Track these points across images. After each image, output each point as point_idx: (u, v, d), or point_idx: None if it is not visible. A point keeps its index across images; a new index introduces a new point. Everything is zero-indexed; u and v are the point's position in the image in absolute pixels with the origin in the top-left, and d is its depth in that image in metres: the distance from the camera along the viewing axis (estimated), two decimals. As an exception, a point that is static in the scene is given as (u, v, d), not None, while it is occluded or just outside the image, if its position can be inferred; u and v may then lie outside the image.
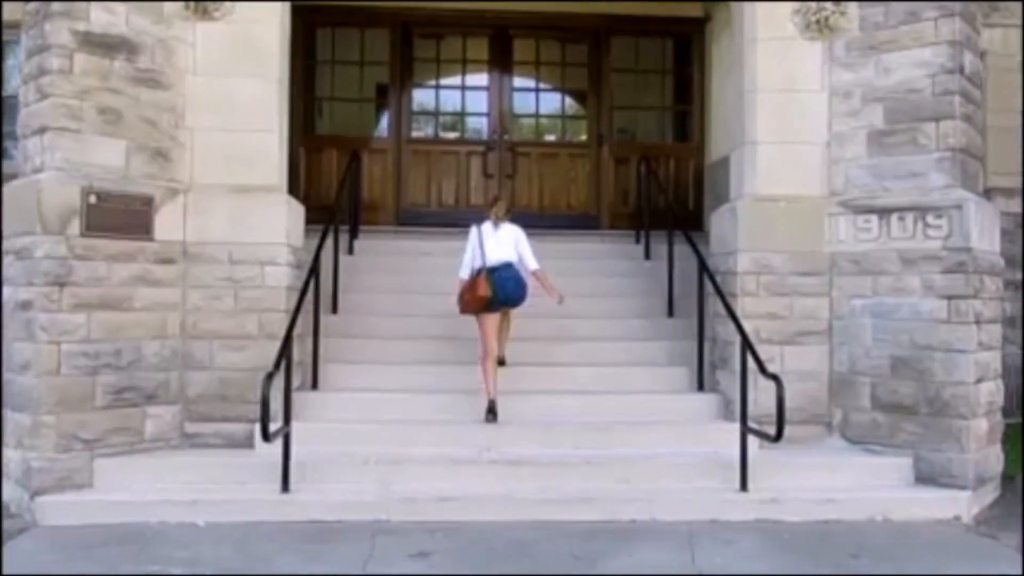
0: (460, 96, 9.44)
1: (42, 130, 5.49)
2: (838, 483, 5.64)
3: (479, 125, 9.39)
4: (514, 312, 6.39)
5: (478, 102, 9.33)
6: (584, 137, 9.42)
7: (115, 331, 5.59)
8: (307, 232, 6.53)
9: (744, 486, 5.48)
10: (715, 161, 8.54)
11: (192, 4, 6.00)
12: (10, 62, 7.88)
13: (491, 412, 6.01)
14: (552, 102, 9.70)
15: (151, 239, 5.81)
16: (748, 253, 6.29)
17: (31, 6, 5.69)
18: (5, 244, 5.55)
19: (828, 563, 4.68)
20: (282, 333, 5.58)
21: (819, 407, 6.23)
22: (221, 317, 5.96)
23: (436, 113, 9.50)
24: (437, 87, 9.41)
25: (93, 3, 5.58)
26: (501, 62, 9.23)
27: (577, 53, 9.34)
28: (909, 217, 5.94)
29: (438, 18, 9.02)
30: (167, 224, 5.89)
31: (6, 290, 5.51)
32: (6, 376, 5.47)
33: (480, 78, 9.30)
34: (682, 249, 7.11)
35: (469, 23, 9.09)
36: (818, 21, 6.29)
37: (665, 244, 7.55)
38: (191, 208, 5.99)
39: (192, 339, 5.95)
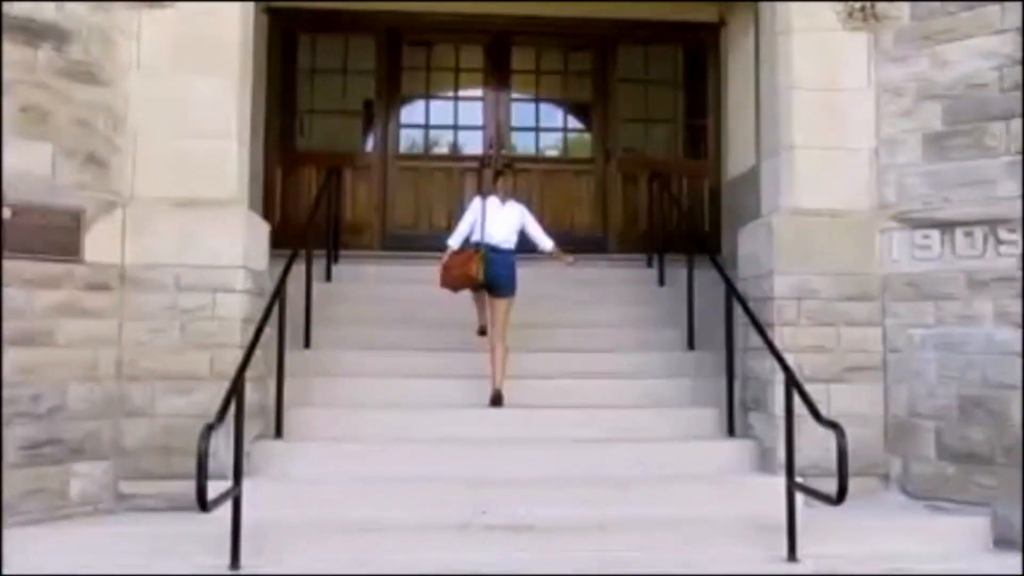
0: (453, 108, 8.89)
1: (-52, 129, 4.69)
2: (903, 548, 4.87)
3: (474, 139, 8.81)
4: (514, 346, 5.98)
5: (473, 115, 8.81)
6: (589, 153, 8.89)
7: (33, 372, 4.77)
8: (279, 257, 5.83)
9: (793, 554, 4.71)
10: (734, 178, 8.13)
11: (137, -11, 5.27)
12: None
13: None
14: (554, 115, 9.17)
15: (81, 261, 5.00)
16: (786, 276, 5.62)
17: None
18: None
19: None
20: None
21: (874, 456, 5.54)
22: (165, 354, 5.17)
23: (427, 126, 8.93)
24: (428, 98, 8.90)
25: (16, -18, 4.82)
26: (498, 72, 8.78)
27: (581, 62, 8.92)
28: (977, 231, 5.32)
29: (429, 23, 8.55)
30: (101, 243, 5.10)
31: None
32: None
33: (475, 89, 8.81)
34: (701, 275, 6.70)
35: (463, 29, 8.67)
36: (863, 9, 5.69)
37: (679, 269, 7.22)
38: (131, 224, 5.22)
39: (130, 381, 5.15)
